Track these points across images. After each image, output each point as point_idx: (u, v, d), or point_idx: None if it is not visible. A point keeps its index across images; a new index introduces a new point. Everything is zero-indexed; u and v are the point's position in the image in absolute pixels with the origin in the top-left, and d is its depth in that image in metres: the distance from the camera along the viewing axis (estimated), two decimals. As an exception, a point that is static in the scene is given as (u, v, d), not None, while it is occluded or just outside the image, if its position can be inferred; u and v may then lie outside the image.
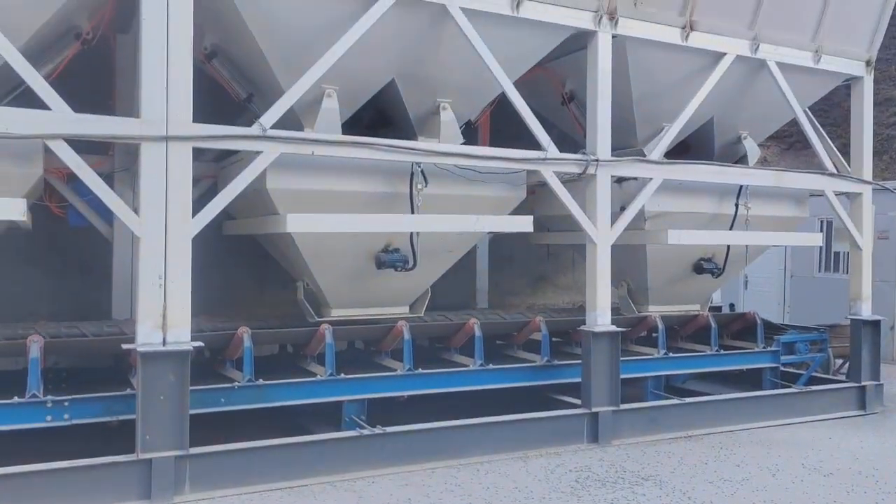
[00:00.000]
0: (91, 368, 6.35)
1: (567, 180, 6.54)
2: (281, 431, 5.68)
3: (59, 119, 4.70)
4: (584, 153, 6.52)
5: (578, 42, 6.66)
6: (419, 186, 5.93)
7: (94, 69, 6.55)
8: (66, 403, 5.02)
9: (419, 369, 6.23)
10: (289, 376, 5.99)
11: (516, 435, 6.17)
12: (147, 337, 4.90)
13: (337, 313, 6.48)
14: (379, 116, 6.88)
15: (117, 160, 6.53)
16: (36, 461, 4.68)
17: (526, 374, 6.80)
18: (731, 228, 7.65)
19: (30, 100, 5.19)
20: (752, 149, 8.10)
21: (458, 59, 6.16)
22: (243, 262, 7.68)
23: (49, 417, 4.98)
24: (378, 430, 5.60)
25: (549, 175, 6.30)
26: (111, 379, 5.79)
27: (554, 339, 7.28)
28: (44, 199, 6.09)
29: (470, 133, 7.43)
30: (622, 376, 6.66)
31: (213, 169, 6.78)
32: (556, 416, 6.43)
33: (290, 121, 5.77)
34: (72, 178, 6.20)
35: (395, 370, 6.24)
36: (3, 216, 4.68)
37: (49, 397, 4.99)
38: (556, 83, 7.56)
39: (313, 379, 5.86)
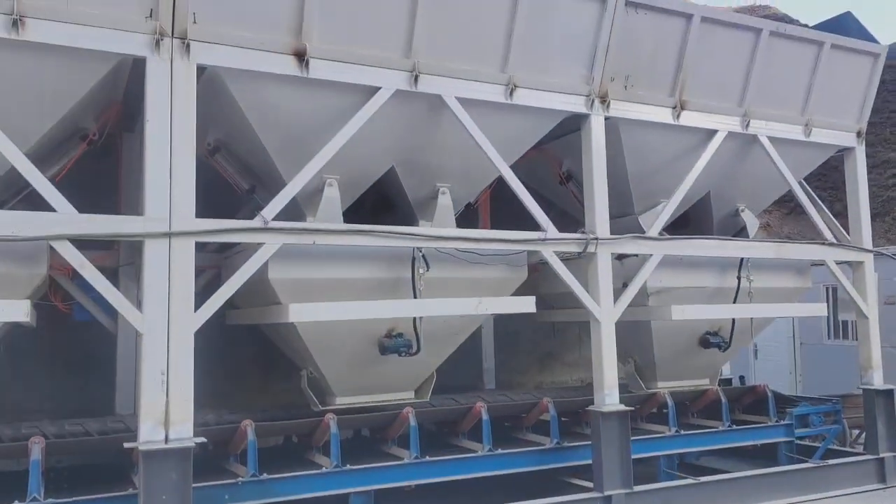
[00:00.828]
0: (93, 465, 6.25)
1: (568, 258, 6.58)
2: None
3: (64, 220, 4.78)
4: (583, 232, 6.57)
5: (573, 124, 6.82)
6: (421, 271, 5.97)
7: (100, 166, 6.70)
8: (65, 507, 4.92)
9: (427, 457, 6.11)
10: (294, 468, 5.88)
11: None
12: (149, 435, 4.84)
13: (342, 401, 6.41)
14: (380, 201, 6.99)
15: (122, 254, 6.60)
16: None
17: (535, 458, 6.67)
18: (734, 301, 7.64)
19: (36, 200, 5.33)
20: (750, 221, 8.17)
21: (455, 146, 6.31)
22: (246, 352, 7.64)
23: (49, 521, 4.87)
24: (385, 522, 5.47)
25: (550, 255, 6.34)
26: (114, 476, 5.69)
27: (563, 418, 7.17)
28: (48, 295, 6.13)
29: (470, 214, 7.53)
30: (634, 456, 6.53)
31: (216, 259, 6.83)
32: (568, 501, 6.26)
33: (293, 210, 5.86)
34: (77, 274, 6.28)
35: (403, 458, 6.12)
36: (8, 318, 4.70)
37: (50, 500, 4.89)
38: (554, 163, 7.70)
39: (319, 471, 5.76)
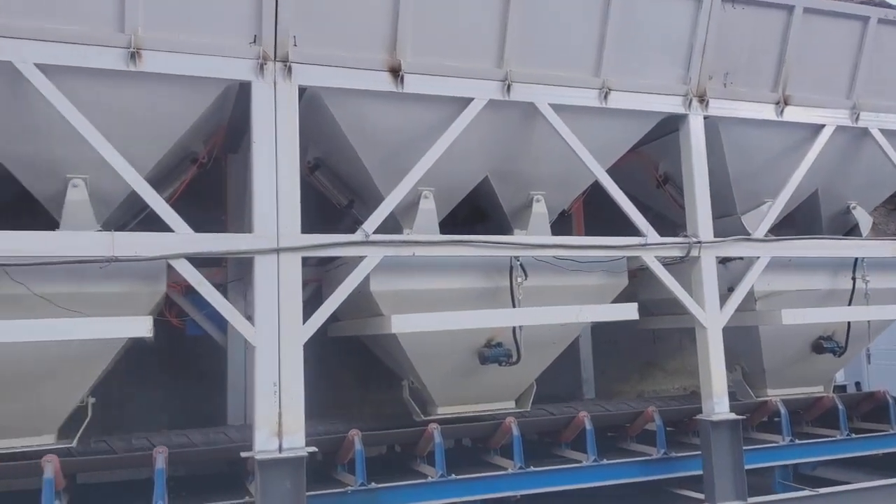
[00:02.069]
0: (207, 475, 6.52)
1: (669, 263, 6.42)
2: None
3: (181, 239, 5.02)
4: (685, 235, 6.40)
5: (670, 125, 6.67)
6: (519, 280, 5.95)
7: (207, 187, 7.01)
8: (189, 513, 5.14)
9: (531, 467, 6.06)
10: (399, 478, 5.93)
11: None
12: (264, 444, 5.01)
13: (443, 411, 6.45)
14: (474, 211, 7.03)
15: (230, 271, 6.88)
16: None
17: (642, 469, 6.50)
18: (849, 304, 7.25)
19: (151, 220, 5.62)
20: (863, 218, 7.75)
21: (549, 153, 6.27)
22: (347, 363, 7.82)
23: (173, 527, 5.10)
24: (494, 532, 5.45)
25: (651, 260, 6.20)
26: (227, 485, 5.91)
27: (669, 428, 6.97)
28: (164, 311, 6.46)
29: (562, 222, 7.46)
30: (747, 467, 6.27)
31: (317, 273, 7.02)
32: (679, 512, 6.09)
33: (390, 223, 5.96)
34: (189, 291, 6.59)
35: (506, 468, 6.09)
36: (133, 334, 4.98)
37: (174, 507, 5.13)
38: (650, 166, 7.54)
39: (425, 480, 5.79)
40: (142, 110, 5.17)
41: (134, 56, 4.91)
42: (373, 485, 5.62)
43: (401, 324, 5.60)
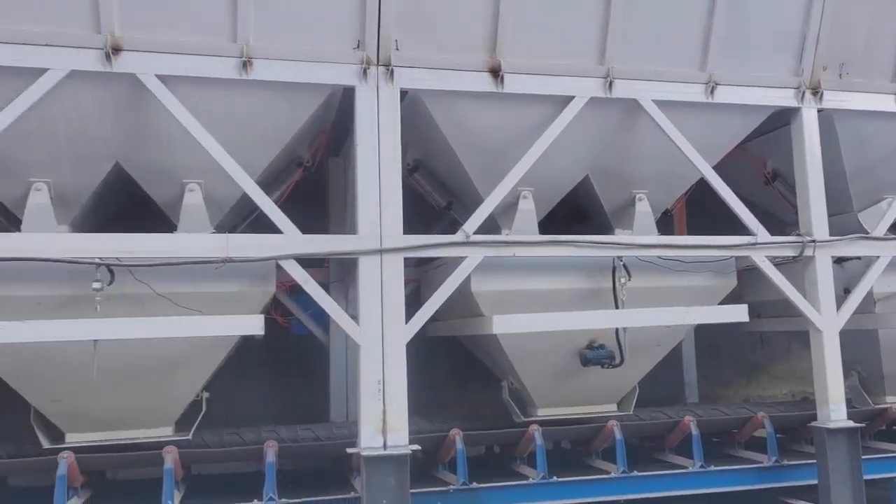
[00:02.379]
0: (311, 470, 6.70)
1: (780, 263, 6.16)
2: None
3: (290, 241, 5.19)
4: (798, 234, 6.12)
5: (780, 119, 6.40)
6: (622, 280, 5.83)
7: (309, 190, 7.22)
8: (297, 507, 5.29)
9: (634, 471, 5.94)
10: (499, 479, 5.93)
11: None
12: (369, 441, 5.10)
13: (543, 412, 6.41)
14: (573, 211, 6.95)
15: (332, 272, 7.04)
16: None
17: (752, 476, 6.26)
18: (981, 305, 6.76)
19: (258, 223, 5.83)
20: None
21: (652, 150, 6.13)
22: (444, 363, 7.87)
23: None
24: (597, 537, 5.37)
25: (761, 260, 5.96)
26: (331, 480, 6.06)
27: (779, 435, 6.67)
28: (270, 310, 6.68)
29: (665, 221, 7.27)
30: (865, 477, 5.94)
31: (415, 273, 7.09)
32: (792, 523, 5.83)
33: (488, 224, 5.96)
34: (294, 291, 6.80)
35: (609, 472, 5.99)
36: (247, 331, 5.18)
37: (283, 500, 5.29)
38: (757, 163, 7.25)
39: (526, 482, 5.77)
40: (252, 117, 5.36)
41: (246, 65, 5.10)
42: (474, 484, 5.64)
43: (502, 324, 5.59)
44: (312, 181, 7.17)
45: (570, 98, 5.68)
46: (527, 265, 5.82)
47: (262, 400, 7.44)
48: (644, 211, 6.33)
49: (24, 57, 4.80)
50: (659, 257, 5.91)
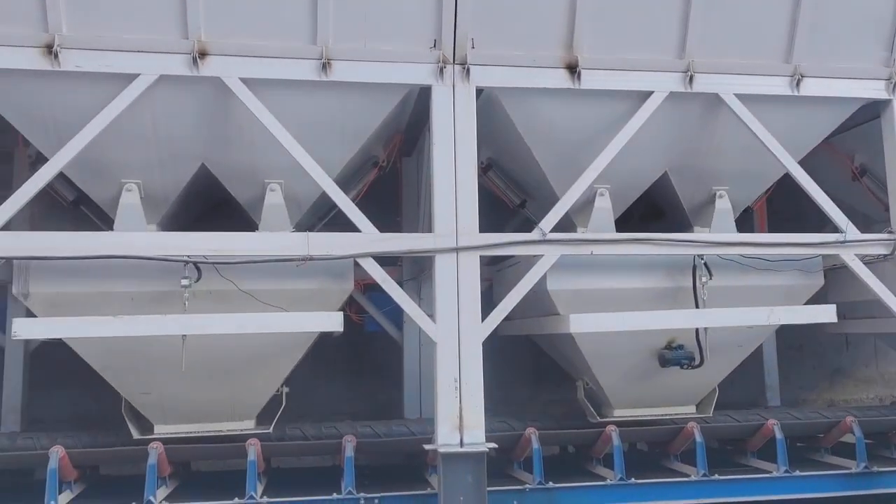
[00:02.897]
0: (386, 465, 6.78)
1: (869, 262, 5.91)
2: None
3: (368, 239, 5.26)
4: (889, 231, 5.87)
5: (869, 112, 6.15)
6: (703, 279, 5.70)
7: (383, 190, 7.29)
8: (377, 501, 5.36)
9: (715, 475, 5.79)
10: (574, 479, 5.88)
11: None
12: (446, 438, 5.13)
13: (619, 413, 6.32)
14: (650, 209, 6.83)
15: (405, 270, 7.11)
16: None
17: (839, 483, 6.02)
18: None
19: (334, 223, 5.93)
20: None
21: (733, 145, 5.97)
22: (517, 363, 7.85)
23: (362, 513, 5.35)
24: (677, 540, 5.26)
25: (851, 258, 5.73)
26: (407, 476, 6.11)
27: (867, 440, 6.41)
28: (345, 308, 6.79)
29: (746, 219, 7.07)
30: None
31: (487, 272, 7.08)
32: (883, 533, 5.59)
33: (563, 222, 5.90)
34: (368, 289, 6.90)
35: (688, 475, 5.87)
36: (327, 328, 5.28)
37: (362, 494, 5.37)
38: (842, 158, 6.97)
39: (604, 483, 5.70)
40: (331, 117, 5.46)
41: (325, 66, 5.20)
42: (550, 484, 5.60)
43: (579, 323, 5.54)
44: (385, 181, 7.26)
45: (649, 93, 5.58)
46: (604, 264, 5.74)
47: (338, 396, 7.57)
48: (724, 208, 6.18)
49: (115, 63, 5.01)
50: (741, 255, 5.75)
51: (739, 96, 5.69)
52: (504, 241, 5.47)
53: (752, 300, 5.84)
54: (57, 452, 5.16)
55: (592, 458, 6.18)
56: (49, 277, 5.14)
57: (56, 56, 4.87)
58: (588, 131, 5.76)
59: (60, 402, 7.15)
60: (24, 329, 5.02)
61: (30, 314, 5.49)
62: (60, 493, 5.18)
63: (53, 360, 6.67)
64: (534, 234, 5.49)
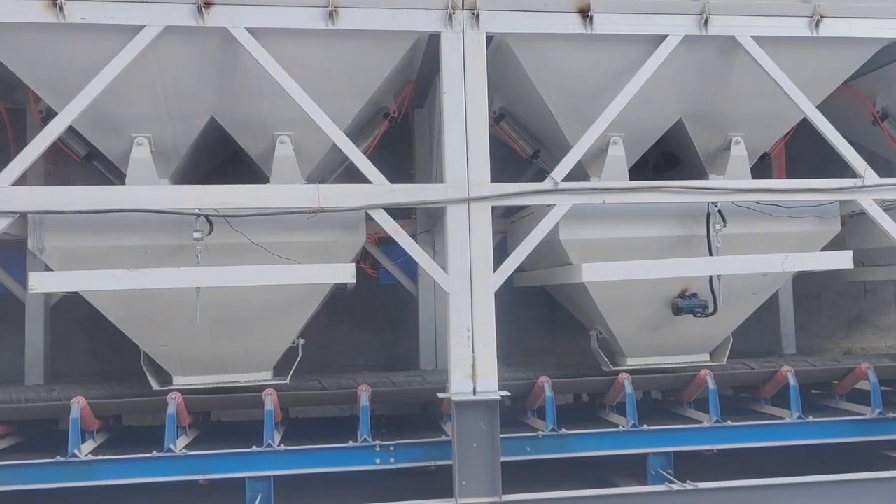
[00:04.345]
0: (401, 415, 6.89)
1: (889, 208, 5.81)
2: (579, 483, 5.65)
3: (379, 191, 5.24)
4: (911, 176, 5.75)
5: (890, 54, 5.97)
6: (717, 227, 5.64)
7: (395, 141, 7.24)
8: (392, 448, 5.45)
9: (728, 421, 5.82)
10: (588, 426, 5.93)
11: (849, 498, 5.46)
12: (459, 386, 5.17)
13: (632, 362, 6.33)
14: (664, 157, 6.74)
15: (419, 223, 7.10)
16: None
17: (853, 429, 6.01)
18: None
19: (345, 177, 5.91)
20: None
21: (750, 90, 5.84)
22: (532, 313, 7.87)
23: (378, 461, 5.44)
24: (689, 485, 5.31)
25: (869, 204, 5.63)
26: (422, 425, 6.21)
27: (883, 388, 6.38)
28: (360, 260, 6.82)
29: (763, 166, 6.96)
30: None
31: (501, 224, 7.06)
32: (897, 477, 5.60)
33: (576, 172, 5.84)
34: (382, 242, 6.92)
35: (701, 422, 5.90)
36: (340, 280, 5.32)
37: (377, 442, 5.46)
38: (863, 101, 6.80)
39: (616, 430, 5.75)
40: (339, 67, 5.38)
41: (332, 14, 5.11)
42: (563, 431, 5.66)
43: (592, 272, 5.51)
44: (398, 134, 7.20)
45: (663, 37, 5.44)
46: (617, 213, 5.70)
47: (354, 348, 7.66)
48: (739, 155, 6.07)
49: (119, 14, 4.95)
50: (756, 202, 5.67)
51: (756, 39, 5.53)
52: (515, 191, 5.42)
53: (767, 247, 5.77)
54: (78, 403, 5.27)
55: (606, 406, 6.22)
56: (64, 232, 5.20)
57: (61, 9, 4.83)
58: (601, 78, 5.65)
59: (82, 356, 7.30)
60: (40, 282, 5.09)
61: (46, 269, 5.57)
62: (83, 441, 5.32)
63: (73, 315, 6.81)
64: (546, 184, 5.44)
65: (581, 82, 5.69)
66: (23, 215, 5.07)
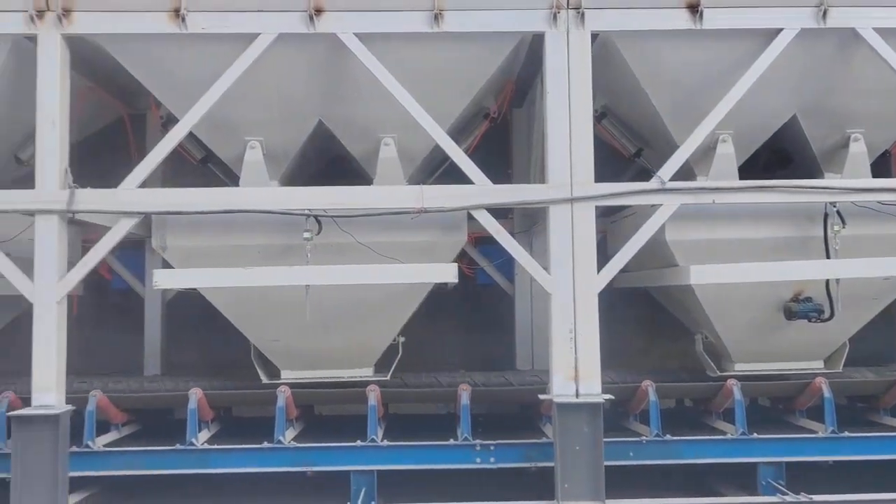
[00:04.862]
0: (499, 414, 6.90)
1: None
2: (684, 491, 5.51)
3: (481, 191, 5.27)
4: None
5: None
6: (836, 228, 5.38)
7: (493, 142, 7.24)
8: (492, 448, 5.46)
9: (845, 432, 5.55)
10: (693, 433, 5.79)
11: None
12: (561, 388, 5.14)
13: (740, 367, 6.11)
14: (776, 155, 6.48)
15: (516, 223, 7.08)
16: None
17: None
18: None
19: (445, 177, 5.96)
20: None
21: (871, 85, 5.55)
22: (630, 315, 7.70)
23: (478, 460, 5.47)
24: (803, 497, 5.09)
25: None
26: (521, 425, 6.19)
27: None
28: (458, 260, 6.85)
29: (881, 164, 6.58)
30: None
31: (600, 224, 6.91)
32: None
33: (682, 171, 5.69)
34: (479, 242, 6.94)
35: (816, 431, 5.64)
36: (442, 279, 5.39)
37: (478, 441, 5.49)
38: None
39: (724, 437, 5.58)
40: (443, 69, 5.43)
41: (437, 17, 5.17)
42: (668, 436, 5.53)
43: (700, 275, 5.36)
44: (496, 135, 7.20)
45: (778, 31, 5.24)
46: (726, 213, 5.52)
47: (450, 347, 7.70)
48: (859, 152, 5.77)
49: (234, 24, 5.18)
50: (879, 202, 5.38)
51: (878, 30, 5.25)
52: (621, 191, 5.35)
53: (889, 250, 5.46)
54: (195, 394, 5.54)
55: (711, 413, 6.05)
56: (184, 231, 5.48)
57: (183, 20, 5.09)
58: (710, 74, 5.49)
59: (194, 349, 7.65)
60: (163, 279, 5.39)
61: (166, 266, 5.88)
62: (199, 431, 5.58)
63: (187, 310, 7.14)
64: (652, 183, 5.33)
65: (688, 79, 5.55)
66: (148, 216, 5.38)
